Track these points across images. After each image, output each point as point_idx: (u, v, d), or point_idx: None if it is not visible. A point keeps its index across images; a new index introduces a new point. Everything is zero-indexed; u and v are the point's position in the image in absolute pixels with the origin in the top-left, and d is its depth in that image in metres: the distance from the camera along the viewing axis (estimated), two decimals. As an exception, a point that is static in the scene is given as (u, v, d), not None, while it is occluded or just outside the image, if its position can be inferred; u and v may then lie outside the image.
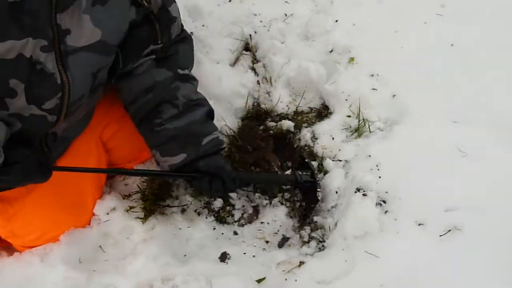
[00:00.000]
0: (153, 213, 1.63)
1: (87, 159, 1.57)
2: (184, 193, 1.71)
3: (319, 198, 1.66)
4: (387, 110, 1.87)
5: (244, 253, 1.61)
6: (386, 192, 1.61)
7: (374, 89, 1.91)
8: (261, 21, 2.17)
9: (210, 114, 1.57)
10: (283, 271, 1.49)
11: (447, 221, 1.52)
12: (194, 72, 1.97)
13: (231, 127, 1.88)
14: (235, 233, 1.68)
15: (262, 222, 1.70)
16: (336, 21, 2.16)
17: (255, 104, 2.02)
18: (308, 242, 1.62)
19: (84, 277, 1.44)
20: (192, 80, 1.55)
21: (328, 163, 1.77)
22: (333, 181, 1.69)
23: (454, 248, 1.46)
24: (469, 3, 2.22)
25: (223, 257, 1.54)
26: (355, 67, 1.99)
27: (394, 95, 1.89)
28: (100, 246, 1.54)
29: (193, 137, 1.47)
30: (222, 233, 1.68)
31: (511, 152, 1.70)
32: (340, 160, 1.77)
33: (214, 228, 1.69)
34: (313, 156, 1.84)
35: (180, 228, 1.65)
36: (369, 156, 1.72)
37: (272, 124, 1.95)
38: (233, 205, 1.72)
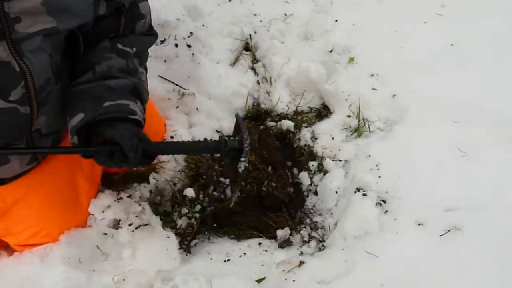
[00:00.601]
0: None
1: (79, 157, 1.55)
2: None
3: (240, 170, 1.30)
4: (387, 110, 1.87)
5: (244, 253, 1.61)
6: (386, 192, 1.61)
7: (374, 89, 1.91)
8: (261, 21, 2.17)
9: (134, 90, 1.39)
10: (283, 271, 1.49)
11: (447, 221, 1.52)
12: (194, 72, 1.97)
13: (230, 127, 1.88)
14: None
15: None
16: (336, 21, 2.16)
17: (255, 104, 2.03)
18: (308, 242, 1.62)
19: (84, 277, 1.44)
20: (130, 60, 1.42)
21: (328, 163, 1.77)
22: (333, 181, 1.69)
23: (454, 248, 1.46)
24: (469, 3, 2.22)
25: None
26: (355, 67, 1.99)
27: (394, 95, 1.89)
28: (97, 246, 1.53)
29: (96, 99, 1.32)
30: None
31: (511, 152, 1.70)
32: (340, 160, 1.77)
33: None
34: (313, 156, 1.84)
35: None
36: (369, 156, 1.72)
37: (272, 124, 1.95)
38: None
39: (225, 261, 1.57)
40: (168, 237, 1.56)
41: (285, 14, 2.21)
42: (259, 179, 1.75)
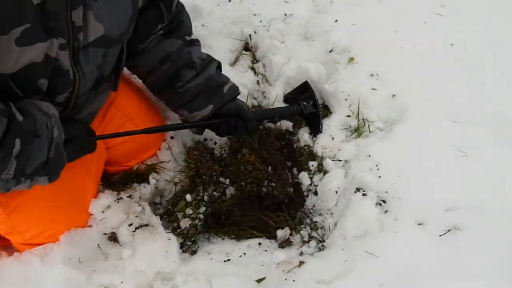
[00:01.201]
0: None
1: (87, 156, 1.56)
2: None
3: (321, 128, 1.85)
4: (387, 110, 1.87)
5: (244, 253, 1.61)
6: (386, 192, 1.61)
7: (374, 89, 1.91)
8: (260, 21, 2.18)
9: (220, 66, 1.70)
10: (283, 271, 1.49)
11: (447, 221, 1.52)
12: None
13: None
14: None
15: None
16: (336, 21, 2.16)
17: (255, 103, 2.02)
18: (308, 242, 1.62)
19: (84, 277, 1.44)
20: (197, 42, 1.69)
21: (328, 163, 1.77)
22: (333, 181, 1.69)
23: (454, 248, 1.46)
24: (469, 3, 2.22)
25: None
26: (354, 67, 1.99)
27: (394, 95, 1.89)
28: (98, 245, 1.53)
29: (215, 88, 1.62)
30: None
31: (511, 152, 1.70)
32: (340, 160, 1.77)
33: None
34: (313, 156, 1.84)
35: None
36: (369, 156, 1.72)
37: (272, 124, 1.95)
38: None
39: (225, 261, 1.57)
40: (169, 239, 1.56)
41: (285, 14, 2.21)
42: (259, 179, 1.75)
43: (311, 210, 1.72)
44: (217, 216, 1.75)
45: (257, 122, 1.72)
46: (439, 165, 1.67)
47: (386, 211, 1.57)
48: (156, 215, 1.63)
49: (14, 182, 1.22)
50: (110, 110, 1.65)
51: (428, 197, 1.58)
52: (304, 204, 1.75)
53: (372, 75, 1.96)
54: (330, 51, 2.06)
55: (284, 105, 1.98)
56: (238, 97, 1.70)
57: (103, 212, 1.60)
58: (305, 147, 1.86)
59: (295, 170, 1.84)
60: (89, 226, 1.58)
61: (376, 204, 1.57)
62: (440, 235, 1.49)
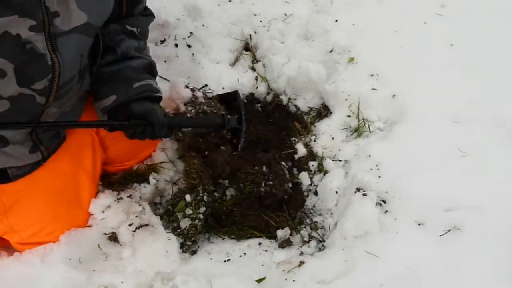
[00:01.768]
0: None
1: (83, 154, 1.57)
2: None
3: (240, 147, 1.62)
4: (387, 110, 1.87)
5: (244, 253, 1.61)
6: (386, 192, 1.61)
7: (374, 89, 1.91)
8: (261, 21, 2.18)
9: (150, 68, 1.57)
10: (283, 271, 1.49)
11: (447, 221, 1.52)
12: (194, 72, 1.97)
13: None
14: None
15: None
16: (336, 21, 2.16)
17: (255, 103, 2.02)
18: (308, 242, 1.62)
19: (84, 277, 1.44)
20: (138, 38, 1.56)
21: (328, 163, 1.77)
22: (333, 181, 1.69)
23: (454, 248, 1.46)
24: (469, 3, 2.22)
25: None
26: (355, 67, 1.99)
27: (394, 95, 1.89)
28: (98, 245, 1.54)
29: (125, 80, 1.48)
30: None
31: (511, 152, 1.70)
32: (340, 160, 1.77)
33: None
34: (313, 156, 1.84)
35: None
36: (369, 156, 1.72)
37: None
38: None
39: (225, 261, 1.58)
40: (169, 239, 1.56)
41: (285, 14, 2.21)
42: (256, 182, 1.75)
43: (311, 210, 1.72)
44: (217, 216, 1.75)
45: (168, 129, 1.51)
46: (439, 165, 1.67)
47: (386, 211, 1.57)
48: (156, 215, 1.63)
49: None
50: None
51: (428, 197, 1.58)
52: (304, 204, 1.75)
53: (372, 75, 1.96)
54: (330, 51, 2.06)
55: None
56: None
57: (103, 212, 1.60)
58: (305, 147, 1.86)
59: (295, 170, 1.84)
60: (89, 226, 1.58)
61: (376, 204, 1.57)
62: (440, 235, 1.49)
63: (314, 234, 1.64)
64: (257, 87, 2.03)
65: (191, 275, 1.47)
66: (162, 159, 1.77)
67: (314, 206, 1.73)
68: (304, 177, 1.79)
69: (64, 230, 1.54)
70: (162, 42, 2.04)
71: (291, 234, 1.66)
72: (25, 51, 1.19)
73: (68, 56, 1.28)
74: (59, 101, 1.36)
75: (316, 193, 1.75)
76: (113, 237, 1.56)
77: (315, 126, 1.93)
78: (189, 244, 1.62)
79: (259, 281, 1.48)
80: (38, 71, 1.25)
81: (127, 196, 1.67)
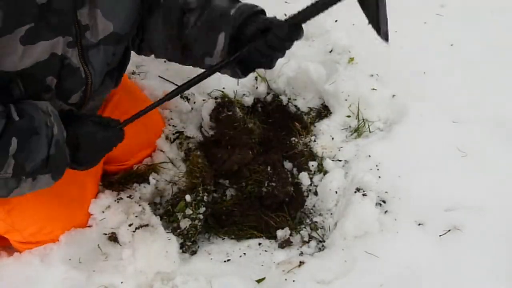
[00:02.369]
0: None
1: None
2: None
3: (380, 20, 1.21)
4: (387, 110, 1.87)
5: (244, 253, 1.61)
6: (386, 192, 1.61)
7: (374, 89, 1.90)
8: (261, 21, 2.17)
9: None
10: (283, 271, 1.49)
11: (447, 221, 1.52)
12: (194, 72, 1.96)
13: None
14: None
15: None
16: (336, 21, 2.16)
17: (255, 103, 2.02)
18: (308, 242, 1.61)
19: (84, 277, 1.44)
20: None
21: (328, 163, 1.76)
22: (333, 181, 1.69)
23: (454, 248, 1.46)
24: (469, 3, 2.22)
25: None
26: (354, 67, 1.99)
27: (394, 95, 1.89)
28: (98, 245, 1.54)
29: (221, 16, 1.35)
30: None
31: (511, 152, 1.70)
32: (340, 160, 1.77)
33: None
34: (313, 156, 1.84)
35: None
36: (369, 156, 1.72)
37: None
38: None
39: (225, 261, 1.58)
40: (169, 239, 1.56)
41: (285, 15, 2.19)
42: (260, 181, 1.75)
43: (311, 210, 1.72)
44: (217, 216, 1.75)
45: (291, 27, 1.33)
46: (439, 165, 1.67)
47: (386, 211, 1.57)
48: (156, 215, 1.63)
49: (14, 181, 1.23)
50: (107, 109, 1.66)
51: (428, 197, 1.58)
52: (304, 204, 1.75)
53: (372, 75, 1.96)
54: (330, 51, 2.06)
55: None
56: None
57: (103, 212, 1.60)
58: (305, 147, 1.86)
59: (295, 171, 1.84)
60: (89, 226, 1.58)
61: (376, 204, 1.57)
62: (440, 235, 1.49)
63: (314, 234, 1.64)
64: (257, 87, 2.03)
65: (191, 275, 1.47)
66: (162, 159, 1.77)
67: (314, 206, 1.73)
68: (304, 177, 1.79)
69: (65, 229, 1.54)
70: (162, 42, 2.04)
71: (291, 234, 1.66)
72: (64, 66, 1.23)
73: (98, 67, 1.32)
74: (87, 107, 1.41)
75: (316, 193, 1.75)
76: (113, 237, 1.56)
77: (315, 126, 1.93)
78: (189, 244, 1.62)
79: (259, 281, 1.48)
80: (74, 85, 1.29)
81: (127, 196, 1.67)
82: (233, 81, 2.00)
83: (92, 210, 1.59)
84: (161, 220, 1.63)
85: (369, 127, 1.83)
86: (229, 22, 1.33)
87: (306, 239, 1.63)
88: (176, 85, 1.90)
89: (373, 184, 1.62)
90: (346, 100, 1.89)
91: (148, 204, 1.66)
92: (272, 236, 1.69)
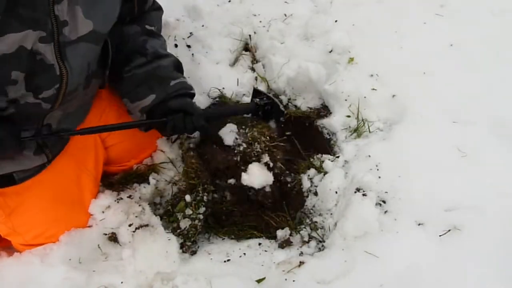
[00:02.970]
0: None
1: (86, 156, 1.57)
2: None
3: (283, 111, 1.75)
4: (386, 110, 1.87)
5: (244, 253, 1.61)
6: (386, 192, 1.61)
7: (373, 89, 1.90)
8: (260, 22, 2.18)
9: (178, 65, 1.61)
10: (283, 271, 1.49)
11: (447, 221, 1.52)
12: (193, 72, 1.97)
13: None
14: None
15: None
16: (336, 21, 2.16)
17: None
18: (308, 242, 1.61)
19: (84, 277, 1.44)
20: (158, 36, 1.61)
21: (327, 164, 1.76)
22: (333, 181, 1.69)
23: (454, 248, 1.46)
24: (469, 3, 2.22)
25: None
26: (354, 67, 1.99)
27: (394, 95, 1.89)
28: (98, 245, 1.54)
29: (161, 79, 1.52)
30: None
31: (511, 152, 1.70)
32: (339, 160, 1.77)
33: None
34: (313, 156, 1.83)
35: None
36: (369, 156, 1.72)
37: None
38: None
39: (225, 261, 1.58)
40: (169, 239, 1.56)
41: (285, 15, 2.21)
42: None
43: (311, 210, 1.72)
44: (217, 216, 1.75)
45: (206, 121, 1.55)
46: (439, 165, 1.67)
47: (386, 211, 1.57)
48: (156, 215, 1.64)
49: None
50: (106, 110, 1.65)
51: (428, 197, 1.58)
52: (304, 204, 1.75)
53: (372, 75, 1.96)
54: (330, 52, 2.06)
55: None
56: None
57: (103, 212, 1.60)
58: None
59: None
60: (89, 227, 1.59)
61: (376, 204, 1.57)
62: (440, 235, 1.49)
63: (314, 234, 1.64)
64: (257, 87, 2.03)
65: (191, 275, 1.47)
66: (162, 159, 1.77)
67: (314, 206, 1.72)
68: (303, 178, 1.79)
69: (66, 231, 1.54)
70: (162, 42, 2.04)
71: (291, 234, 1.66)
72: (35, 62, 1.20)
73: (75, 64, 1.29)
74: (64, 105, 1.38)
75: (316, 194, 1.75)
76: (113, 238, 1.56)
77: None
78: (189, 244, 1.62)
79: (259, 281, 1.48)
80: (47, 81, 1.26)
81: (127, 197, 1.67)
82: (233, 81, 2.01)
83: (92, 210, 1.59)
84: (161, 220, 1.63)
85: (369, 127, 1.83)
86: (164, 90, 1.51)
87: (306, 239, 1.63)
88: None
89: (373, 184, 1.62)
90: (346, 100, 1.90)
91: (148, 204, 1.66)
92: (272, 236, 1.69)
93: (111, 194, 1.66)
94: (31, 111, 1.31)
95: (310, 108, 2.01)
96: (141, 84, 1.51)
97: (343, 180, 1.69)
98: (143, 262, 1.49)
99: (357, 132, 1.83)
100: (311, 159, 1.82)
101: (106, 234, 1.57)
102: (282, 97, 2.03)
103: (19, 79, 1.21)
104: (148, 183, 1.72)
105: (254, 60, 2.12)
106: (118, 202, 1.64)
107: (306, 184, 1.77)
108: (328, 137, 1.89)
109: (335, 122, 1.89)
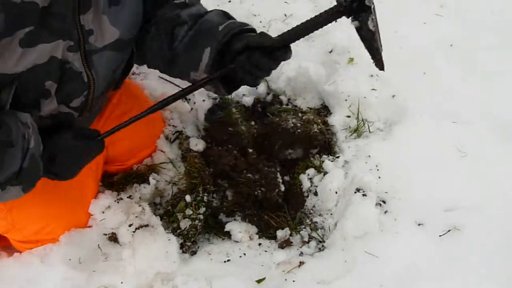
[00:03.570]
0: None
1: None
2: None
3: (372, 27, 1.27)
4: (386, 110, 1.87)
5: (244, 254, 1.61)
6: (385, 192, 1.61)
7: (373, 89, 1.90)
8: (260, 22, 2.18)
9: (224, 13, 1.43)
10: (283, 271, 1.49)
11: (447, 221, 1.52)
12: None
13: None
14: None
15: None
16: (336, 21, 2.16)
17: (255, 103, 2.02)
18: (308, 242, 1.61)
19: (84, 277, 1.45)
20: (191, 5, 1.43)
21: (327, 164, 1.76)
22: (333, 181, 1.69)
23: (453, 248, 1.46)
24: (469, 3, 2.22)
25: None
26: (354, 67, 1.99)
27: (393, 95, 1.89)
28: (98, 246, 1.54)
29: (208, 30, 1.34)
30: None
31: (511, 152, 1.70)
32: (339, 160, 1.77)
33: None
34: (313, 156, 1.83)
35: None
36: (369, 156, 1.72)
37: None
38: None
39: (225, 261, 1.58)
40: (169, 239, 1.56)
41: (285, 15, 2.21)
42: (249, 193, 1.75)
43: (311, 211, 1.72)
44: (217, 216, 1.75)
45: (279, 47, 1.23)
46: (439, 165, 1.67)
47: (386, 212, 1.57)
48: (156, 215, 1.63)
49: None
50: (107, 108, 1.66)
51: (428, 197, 1.58)
52: (304, 205, 1.75)
53: (372, 75, 1.95)
54: (330, 52, 2.06)
55: None
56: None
57: (103, 212, 1.60)
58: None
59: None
60: (89, 227, 1.59)
61: (376, 204, 1.57)
62: (440, 235, 1.49)
63: (314, 234, 1.64)
64: (257, 88, 2.03)
65: (191, 276, 1.47)
66: (162, 159, 1.77)
67: (314, 206, 1.72)
68: (303, 178, 1.79)
69: (66, 229, 1.54)
70: (162, 42, 2.04)
71: (291, 235, 1.66)
72: (65, 70, 1.23)
73: (102, 72, 1.32)
74: (89, 112, 1.41)
75: (316, 194, 1.74)
76: (113, 238, 1.56)
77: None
78: (189, 244, 1.62)
79: (259, 281, 1.48)
80: (76, 89, 1.30)
81: (127, 197, 1.67)
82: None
83: (92, 210, 1.59)
84: (161, 220, 1.63)
85: (369, 127, 1.83)
86: (217, 38, 1.31)
87: (306, 239, 1.63)
88: (177, 85, 1.91)
89: (373, 184, 1.62)
90: (346, 100, 1.90)
91: (148, 204, 1.66)
92: (272, 236, 1.69)
93: (111, 194, 1.66)
94: (62, 121, 1.34)
95: (310, 108, 2.01)
96: (189, 49, 1.35)
97: (343, 180, 1.69)
98: (143, 262, 1.49)
99: (357, 132, 1.84)
100: (311, 159, 1.82)
101: (106, 234, 1.57)
102: (282, 97, 2.03)
103: (52, 90, 1.24)
104: (148, 183, 1.72)
105: (254, 60, 2.12)
106: (118, 202, 1.64)
107: (306, 184, 1.77)
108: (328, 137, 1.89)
109: (335, 122, 1.89)
